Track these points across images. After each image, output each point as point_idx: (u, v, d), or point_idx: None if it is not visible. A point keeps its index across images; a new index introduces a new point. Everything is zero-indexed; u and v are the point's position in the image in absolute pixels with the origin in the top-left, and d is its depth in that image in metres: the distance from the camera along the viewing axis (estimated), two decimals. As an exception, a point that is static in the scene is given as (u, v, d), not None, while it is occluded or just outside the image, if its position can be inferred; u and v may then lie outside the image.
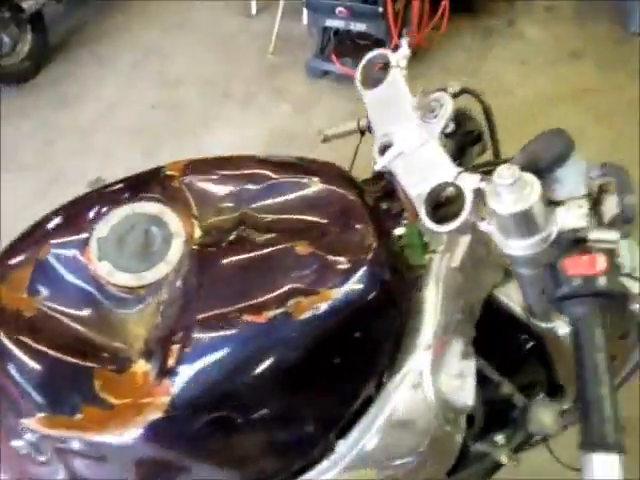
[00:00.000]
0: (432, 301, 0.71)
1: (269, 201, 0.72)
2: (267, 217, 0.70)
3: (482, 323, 0.82)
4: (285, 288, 0.62)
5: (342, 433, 0.66)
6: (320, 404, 0.66)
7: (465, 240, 0.77)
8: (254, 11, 3.31)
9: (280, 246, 0.65)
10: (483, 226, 0.63)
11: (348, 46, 2.83)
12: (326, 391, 0.65)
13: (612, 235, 0.55)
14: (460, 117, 0.72)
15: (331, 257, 0.63)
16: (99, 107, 2.90)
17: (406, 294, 0.71)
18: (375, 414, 0.67)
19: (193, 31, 3.29)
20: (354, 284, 0.63)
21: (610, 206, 0.59)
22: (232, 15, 3.33)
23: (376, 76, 0.77)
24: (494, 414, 0.85)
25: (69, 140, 2.75)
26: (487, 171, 0.78)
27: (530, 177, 0.57)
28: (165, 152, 2.57)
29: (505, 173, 0.55)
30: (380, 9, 2.37)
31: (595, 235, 0.55)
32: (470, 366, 0.72)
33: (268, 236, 0.68)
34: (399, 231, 0.74)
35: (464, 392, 0.68)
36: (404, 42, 0.75)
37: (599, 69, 2.72)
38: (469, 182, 0.63)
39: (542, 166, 0.58)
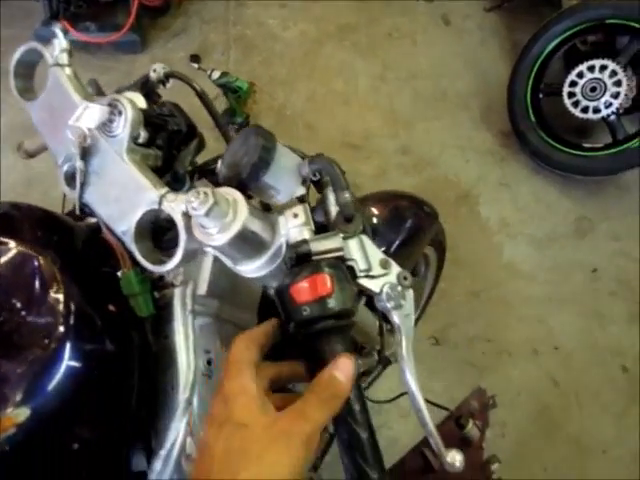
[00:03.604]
0: (183, 347, 0.60)
1: None
2: None
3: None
4: None
5: None
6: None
7: (208, 262, 0.65)
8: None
9: None
10: (210, 250, 0.52)
11: (87, 8, 2.41)
12: None
13: (335, 242, 0.48)
14: (154, 118, 0.57)
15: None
16: None
17: (142, 352, 0.57)
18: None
19: None
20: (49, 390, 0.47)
21: (331, 201, 0.52)
22: None
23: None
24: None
25: None
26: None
27: (231, 195, 0.46)
28: None
29: (195, 202, 0.44)
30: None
31: (318, 247, 0.48)
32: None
33: None
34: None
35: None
36: (58, 30, 0.56)
37: (354, 4, 2.77)
38: (177, 206, 0.51)
39: (244, 177, 0.48)
